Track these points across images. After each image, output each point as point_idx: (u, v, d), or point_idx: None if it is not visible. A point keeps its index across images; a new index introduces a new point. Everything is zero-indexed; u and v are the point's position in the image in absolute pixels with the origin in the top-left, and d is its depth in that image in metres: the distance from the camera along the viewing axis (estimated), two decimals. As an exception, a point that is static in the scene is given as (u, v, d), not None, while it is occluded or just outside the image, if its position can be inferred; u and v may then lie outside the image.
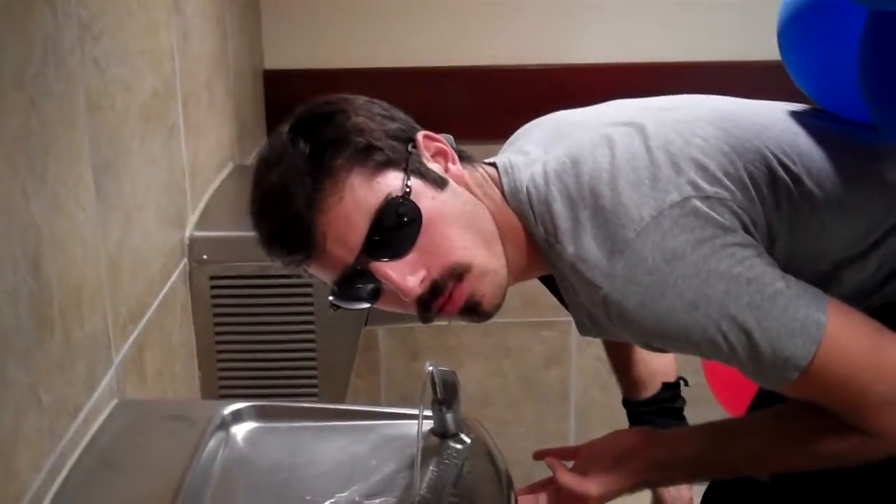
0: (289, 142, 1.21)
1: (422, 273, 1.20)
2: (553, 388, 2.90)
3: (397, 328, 2.80)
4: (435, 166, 1.24)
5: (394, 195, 1.18)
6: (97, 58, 1.41)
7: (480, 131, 2.55)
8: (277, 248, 1.23)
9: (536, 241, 1.25)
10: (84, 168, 1.37)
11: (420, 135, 1.26)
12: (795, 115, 1.31)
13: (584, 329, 1.27)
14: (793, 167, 1.21)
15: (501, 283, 1.25)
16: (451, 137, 2.19)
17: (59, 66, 1.27)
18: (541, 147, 1.30)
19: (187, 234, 1.86)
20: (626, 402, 1.62)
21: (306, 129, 1.22)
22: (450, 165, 1.26)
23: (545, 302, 2.81)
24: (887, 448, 1.19)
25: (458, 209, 1.22)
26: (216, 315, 1.89)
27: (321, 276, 1.24)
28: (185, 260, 1.85)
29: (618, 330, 1.21)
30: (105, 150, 1.45)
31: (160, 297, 1.69)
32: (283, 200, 1.19)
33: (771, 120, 1.27)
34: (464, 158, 1.30)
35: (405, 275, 1.19)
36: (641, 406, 1.59)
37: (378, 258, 1.19)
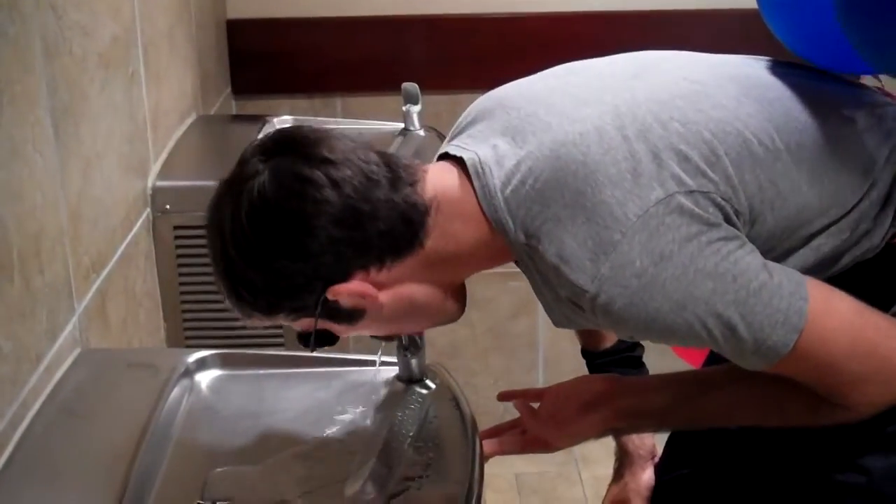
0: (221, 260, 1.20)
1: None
2: (521, 339, 2.91)
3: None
4: (349, 302, 1.20)
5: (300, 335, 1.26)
6: (53, 2, 1.39)
7: (446, 81, 2.54)
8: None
9: (514, 248, 1.21)
10: (41, 113, 1.35)
11: (330, 293, 1.18)
12: (769, 78, 1.28)
13: (559, 324, 1.26)
14: (771, 146, 1.19)
15: (449, 318, 1.31)
16: (416, 86, 2.20)
17: (13, 8, 1.25)
18: (508, 137, 1.22)
19: (150, 183, 1.84)
20: (585, 353, 1.62)
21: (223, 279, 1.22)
22: (366, 298, 1.20)
23: (513, 252, 2.81)
24: (854, 417, 1.21)
25: (379, 325, 1.27)
26: (180, 265, 1.88)
27: None
28: (148, 210, 1.83)
29: (600, 322, 1.20)
30: (63, 96, 1.42)
31: (123, 246, 1.68)
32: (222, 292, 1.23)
33: (745, 89, 1.24)
34: (411, 245, 1.19)
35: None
36: (602, 356, 1.59)
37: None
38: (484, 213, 1.20)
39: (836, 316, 1.17)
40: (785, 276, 1.16)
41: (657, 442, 1.65)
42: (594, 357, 1.59)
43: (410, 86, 2.17)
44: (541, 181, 1.17)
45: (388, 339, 1.34)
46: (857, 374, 1.18)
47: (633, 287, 1.13)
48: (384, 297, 1.20)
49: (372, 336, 1.33)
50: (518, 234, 1.19)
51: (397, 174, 1.18)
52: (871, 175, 1.23)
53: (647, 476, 1.61)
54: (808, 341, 1.15)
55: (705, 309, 1.13)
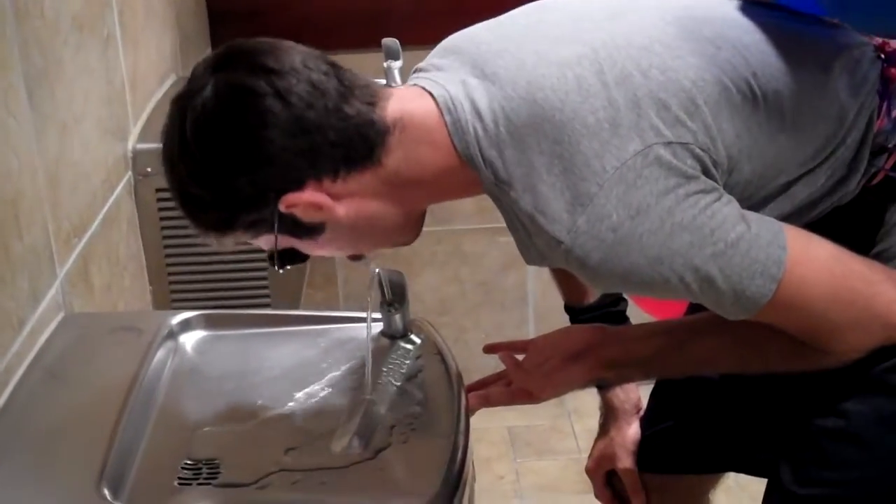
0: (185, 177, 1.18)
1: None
2: (511, 294, 2.90)
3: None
4: (308, 215, 1.18)
5: (268, 255, 1.23)
6: (22, -37, 1.37)
7: (428, 36, 2.52)
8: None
9: (485, 185, 1.19)
10: (14, 77, 1.33)
11: (282, 205, 1.15)
12: (745, 21, 1.25)
13: (532, 262, 1.24)
14: (749, 93, 1.18)
15: (408, 239, 1.30)
16: (397, 42, 2.17)
17: (-20, -29, 1.23)
18: (478, 71, 1.19)
19: (130, 146, 1.82)
20: (569, 308, 1.61)
21: (178, 198, 1.20)
22: (324, 209, 1.17)
23: (500, 207, 2.80)
24: (837, 362, 1.21)
25: (343, 239, 1.24)
26: (164, 228, 1.87)
27: None
28: (130, 173, 1.82)
29: (575, 273, 1.19)
30: (36, 60, 1.41)
31: (104, 210, 1.67)
32: (188, 215, 1.21)
33: (722, 33, 1.21)
34: (369, 155, 1.17)
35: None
36: (584, 312, 1.59)
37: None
38: (455, 147, 1.17)
39: (815, 264, 1.17)
40: (763, 226, 1.15)
41: (642, 395, 1.65)
42: (577, 313, 1.59)
43: (391, 41, 2.14)
44: (515, 125, 1.15)
45: (354, 258, 1.31)
46: (839, 322, 1.17)
47: (608, 241, 1.12)
48: (342, 208, 1.17)
49: (336, 256, 1.34)
50: (487, 173, 1.17)
51: (350, 88, 1.16)
52: (847, 121, 1.22)
53: (632, 430, 1.61)
54: (788, 290, 1.15)
55: (682, 263, 1.12)
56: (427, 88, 1.20)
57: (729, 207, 1.15)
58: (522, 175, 1.15)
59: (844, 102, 1.22)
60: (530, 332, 2.90)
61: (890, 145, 1.25)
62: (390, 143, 1.17)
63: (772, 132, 1.19)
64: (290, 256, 1.24)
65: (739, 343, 1.25)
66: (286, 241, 1.20)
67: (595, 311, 1.57)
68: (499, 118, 1.16)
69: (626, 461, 1.61)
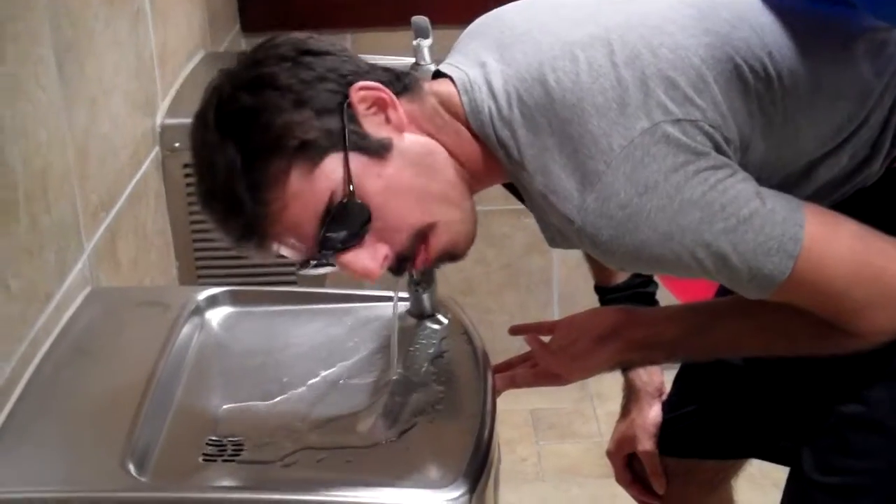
0: (218, 144, 1.12)
1: (383, 251, 1.15)
2: (536, 276, 2.89)
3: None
4: (375, 124, 1.15)
5: (338, 193, 1.12)
6: (54, -65, 1.37)
7: (458, 14, 2.50)
8: (228, 241, 1.17)
9: (499, 161, 1.19)
10: (45, 49, 1.33)
11: (353, 91, 1.14)
12: (764, 2, 1.23)
13: (553, 243, 1.24)
14: (762, 73, 1.17)
15: (470, 227, 1.21)
16: (427, 20, 2.16)
17: (12, -57, 1.23)
18: (498, 54, 1.20)
19: (158, 121, 1.82)
20: (598, 289, 1.60)
21: (233, 130, 1.12)
22: (391, 114, 1.16)
23: (526, 188, 2.79)
24: (864, 345, 1.19)
25: (409, 175, 1.16)
26: (191, 204, 1.86)
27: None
28: (157, 148, 1.82)
29: (590, 252, 1.19)
30: (67, 32, 1.41)
31: (132, 184, 1.67)
32: (230, 208, 1.12)
33: (740, 13, 1.20)
34: (408, 88, 1.19)
35: (365, 260, 1.15)
36: (613, 292, 1.58)
37: (335, 250, 1.15)
38: (471, 127, 1.18)
39: (836, 241, 1.15)
40: (780, 202, 1.14)
41: (665, 380, 1.64)
42: (606, 293, 1.58)
43: (420, 19, 2.14)
44: (527, 106, 1.15)
45: (396, 273, 1.22)
46: (863, 301, 1.15)
47: (618, 218, 1.11)
48: (407, 126, 1.17)
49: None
50: (501, 153, 1.17)
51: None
52: (869, 101, 1.20)
53: (654, 413, 1.60)
54: (806, 268, 1.13)
55: (693, 239, 1.11)
56: (447, 72, 1.21)
57: (743, 184, 1.13)
58: (534, 155, 1.15)
59: (868, 81, 1.20)
60: (555, 315, 2.89)
61: None
62: (423, 93, 1.19)
63: (788, 111, 1.18)
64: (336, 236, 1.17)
65: (765, 325, 1.24)
66: (354, 164, 1.13)
67: (624, 290, 1.56)
68: (512, 99, 1.16)
69: (646, 444, 1.60)
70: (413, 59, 2.18)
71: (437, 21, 2.18)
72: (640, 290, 1.56)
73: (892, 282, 1.15)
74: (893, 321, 1.17)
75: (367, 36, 2.65)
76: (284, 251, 1.16)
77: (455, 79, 1.20)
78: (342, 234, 1.13)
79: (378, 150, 1.14)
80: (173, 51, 1.94)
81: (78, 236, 1.43)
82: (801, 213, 1.13)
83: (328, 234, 1.13)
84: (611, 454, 1.67)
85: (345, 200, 1.12)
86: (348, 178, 1.12)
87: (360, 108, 1.14)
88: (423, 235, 1.17)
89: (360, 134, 1.14)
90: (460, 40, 1.29)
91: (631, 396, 1.63)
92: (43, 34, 1.33)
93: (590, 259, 1.59)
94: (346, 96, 1.14)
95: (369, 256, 1.15)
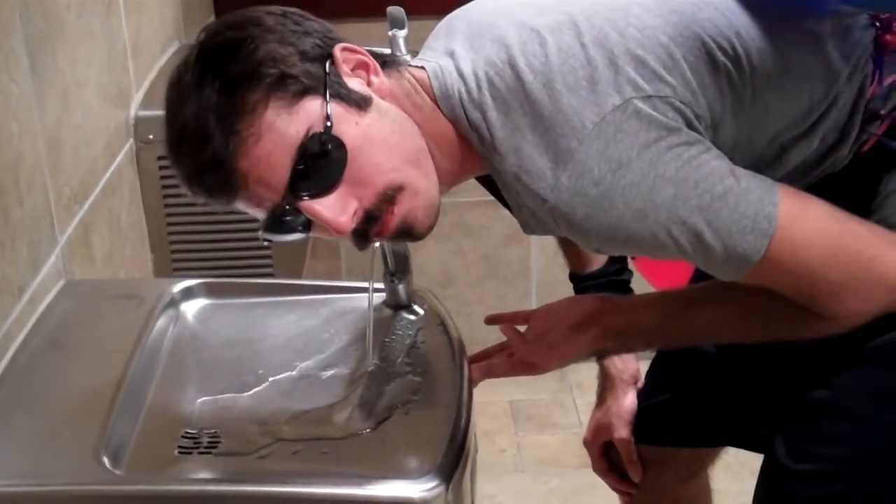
0: (198, 74, 1.12)
1: (353, 206, 1.14)
2: (514, 266, 2.90)
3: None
4: (356, 83, 1.16)
5: (315, 130, 1.11)
6: (24, -75, 1.35)
7: (433, 5, 2.50)
8: (198, 189, 1.15)
9: (472, 146, 1.19)
10: (16, 41, 1.32)
11: (338, 49, 1.16)
12: None
13: (528, 229, 1.23)
14: (731, 51, 1.17)
15: (433, 204, 1.19)
16: (402, 10, 2.16)
17: (-20, -68, 1.22)
18: (467, 44, 1.21)
19: (132, 113, 1.81)
20: (573, 276, 1.61)
21: (214, 60, 1.12)
22: (372, 79, 1.17)
23: (504, 179, 2.79)
24: (839, 328, 1.19)
25: (385, 129, 1.16)
26: (166, 196, 1.86)
27: (248, 211, 1.17)
28: (132, 140, 1.80)
29: (565, 233, 1.18)
30: (38, 24, 1.40)
31: (106, 177, 1.66)
32: (198, 143, 1.10)
33: None
34: (388, 64, 1.21)
35: (336, 211, 1.13)
36: (588, 279, 1.58)
37: (305, 196, 1.12)
38: (441, 111, 1.19)
39: (810, 221, 1.15)
40: (754, 181, 1.14)
41: (640, 367, 1.64)
42: (580, 280, 1.58)
43: (396, 10, 2.12)
44: (497, 88, 1.15)
45: (359, 239, 1.19)
46: (837, 283, 1.16)
47: (592, 195, 1.11)
48: (386, 90, 1.18)
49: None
50: (472, 134, 1.17)
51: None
52: (837, 84, 1.21)
53: (629, 400, 1.60)
54: (781, 248, 1.13)
55: (667, 216, 1.11)
56: (419, 65, 1.22)
57: (717, 161, 1.14)
58: (506, 136, 1.15)
59: (835, 64, 1.21)
60: (533, 305, 2.88)
61: (883, 112, 1.24)
62: (402, 71, 1.21)
63: (757, 89, 1.18)
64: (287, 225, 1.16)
65: (741, 311, 1.24)
66: (334, 109, 1.13)
67: (598, 278, 1.57)
68: (482, 82, 1.17)
69: (622, 431, 1.60)
70: (389, 51, 2.17)
71: (412, 12, 2.17)
72: (614, 278, 1.57)
73: (866, 263, 1.16)
74: (869, 305, 1.17)
75: (342, 28, 2.63)
76: (251, 205, 1.14)
77: (426, 68, 1.20)
78: (316, 175, 1.12)
79: (358, 102, 1.15)
80: (147, 42, 1.93)
81: (51, 229, 1.42)
82: (774, 193, 1.14)
83: (301, 172, 1.11)
84: (587, 442, 1.67)
85: (322, 136, 1.11)
86: (327, 116, 1.11)
87: (344, 67, 1.16)
88: (390, 198, 1.15)
89: (342, 84, 1.14)
90: (428, 39, 1.30)
91: (606, 384, 1.63)
92: (14, 25, 1.31)
93: (564, 246, 1.59)
94: (331, 52, 1.15)
95: (340, 208, 1.13)
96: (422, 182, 1.17)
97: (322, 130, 1.11)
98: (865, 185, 1.26)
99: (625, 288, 1.57)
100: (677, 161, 1.11)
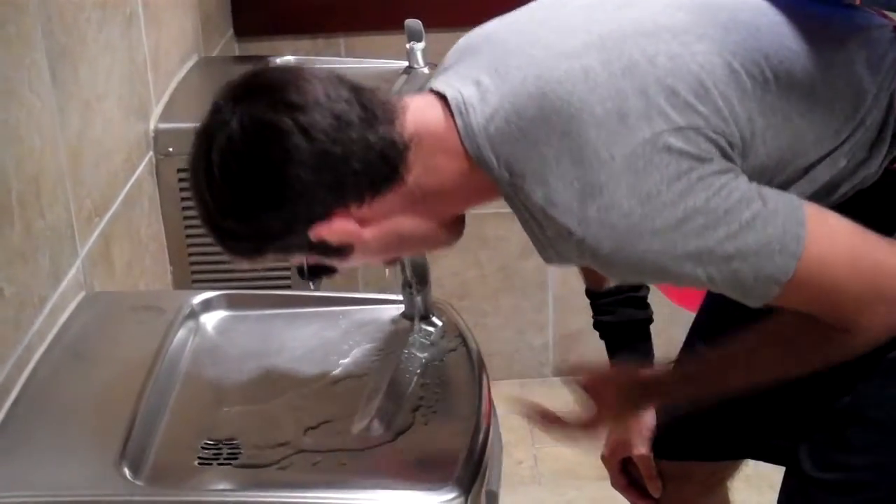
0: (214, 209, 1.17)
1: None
2: (531, 278, 2.89)
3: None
4: (341, 241, 1.18)
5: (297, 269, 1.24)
6: (46, -60, 1.37)
7: (451, 18, 2.51)
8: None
9: (499, 185, 1.18)
10: (37, 54, 1.33)
11: (313, 234, 1.16)
12: (759, 3, 1.23)
13: (550, 261, 1.22)
14: (759, 76, 1.16)
15: (443, 245, 1.28)
16: (420, 23, 2.17)
17: (4, -53, 1.23)
18: (491, 71, 1.19)
19: (152, 125, 1.82)
20: (590, 293, 1.60)
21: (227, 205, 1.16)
22: (364, 232, 1.18)
23: (521, 191, 2.78)
24: (867, 343, 1.19)
25: (373, 256, 1.23)
26: (185, 208, 1.86)
27: None
28: (151, 153, 1.81)
29: (590, 265, 1.18)
30: (59, 37, 1.41)
31: (126, 189, 1.67)
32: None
33: (734, 16, 1.20)
34: (390, 179, 1.16)
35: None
36: (604, 297, 1.58)
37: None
38: (466, 151, 1.16)
39: (836, 238, 1.15)
40: (781, 202, 1.14)
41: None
42: (598, 297, 1.58)
43: (413, 22, 2.15)
44: (525, 119, 1.14)
45: (389, 264, 1.32)
46: (863, 295, 1.15)
47: (620, 229, 1.11)
48: (369, 232, 1.17)
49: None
50: (502, 171, 1.16)
51: (373, 112, 1.15)
52: (865, 103, 1.20)
53: (647, 417, 1.60)
54: (809, 266, 1.13)
55: (697, 247, 1.11)
56: (441, 91, 1.20)
57: (746, 185, 1.13)
58: (533, 169, 1.14)
59: (863, 81, 1.20)
60: (549, 317, 2.89)
61: None
62: (410, 158, 1.16)
63: (786, 113, 1.18)
64: (321, 270, 1.25)
65: (771, 344, 1.23)
66: (316, 260, 1.21)
67: (616, 295, 1.56)
68: (510, 116, 1.15)
69: (641, 448, 1.60)
70: (406, 63, 2.18)
71: (429, 24, 2.19)
72: (631, 295, 1.56)
73: (891, 275, 1.16)
74: (892, 315, 1.17)
75: (360, 40, 2.65)
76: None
77: (449, 98, 1.18)
78: (326, 269, 1.25)
79: (340, 252, 1.19)
80: (166, 55, 1.94)
81: (72, 241, 1.43)
82: (801, 212, 1.13)
83: (311, 269, 1.25)
84: (605, 459, 1.67)
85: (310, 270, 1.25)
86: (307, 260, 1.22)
87: (320, 238, 1.17)
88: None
89: (322, 247, 1.18)
90: (450, 57, 1.28)
91: None
92: (35, 38, 1.32)
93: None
94: (305, 237, 1.16)
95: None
96: (423, 250, 1.30)
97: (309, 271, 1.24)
98: (894, 200, 1.26)
99: (642, 304, 1.57)
100: (707, 191, 1.11)
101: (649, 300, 1.59)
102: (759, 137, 1.17)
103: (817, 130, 1.19)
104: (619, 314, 1.58)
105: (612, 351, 1.60)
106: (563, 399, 2.80)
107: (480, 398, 1.26)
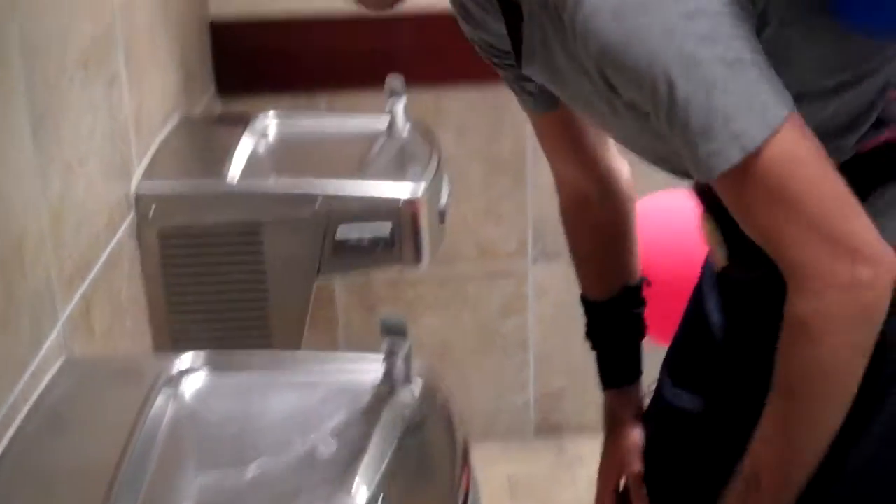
0: None
1: None
2: (512, 338, 2.88)
3: (354, 283, 2.77)
4: None
5: None
6: (30, 0, 1.36)
7: (432, 75, 2.52)
8: None
9: None
10: (21, 115, 1.32)
11: None
12: None
13: (530, 58, 1.18)
14: None
15: None
16: (401, 78, 2.17)
17: (-12, 9, 1.23)
18: None
19: (134, 186, 1.81)
20: (585, 301, 1.57)
21: None
22: None
23: (501, 251, 2.79)
24: (821, 311, 1.09)
25: None
26: (166, 268, 1.85)
27: None
28: (133, 214, 1.80)
29: (571, 42, 1.12)
30: (42, 96, 1.40)
31: (107, 251, 1.65)
32: None
33: None
34: None
35: None
36: (599, 307, 1.55)
37: None
38: None
39: (810, 150, 1.07)
40: (778, 82, 1.07)
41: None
42: (592, 307, 1.56)
43: (395, 78, 2.15)
44: None
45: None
46: (813, 225, 1.07)
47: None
48: None
49: None
50: None
51: None
52: (869, 60, 1.16)
53: (637, 433, 1.56)
54: (777, 153, 1.04)
55: (691, 50, 1.03)
56: None
57: (755, 43, 1.06)
58: None
59: (870, 42, 1.15)
60: (531, 376, 2.88)
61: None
62: None
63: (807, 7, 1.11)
64: None
65: (773, 448, 1.19)
66: None
67: (612, 308, 1.54)
68: None
69: (636, 465, 1.56)
70: (387, 119, 2.18)
71: (411, 80, 2.19)
72: (628, 310, 1.54)
73: (842, 217, 1.08)
74: (832, 267, 1.08)
75: (342, 98, 2.66)
76: None
77: None
78: None
79: None
80: (149, 114, 1.94)
81: (53, 304, 1.41)
82: (791, 105, 1.06)
83: None
84: (599, 491, 1.63)
85: None
86: None
87: None
88: None
89: None
90: None
91: (611, 424, 1.59)
92: (17, 98, 1.32)
93: (578, 267, 1.57)
94: None
95: None
96: None
97: None
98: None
99: (636, 321, 1.54)
100: (721, 5, 1.04)
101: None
102: (774, 10, 1.10)
103: (818, 57, 1.14)
104: (612, 328, 1.56)
105: (601, 361, 1.58)
106: (544, 458, 2.79)
107: (459, 464, 1.24)
